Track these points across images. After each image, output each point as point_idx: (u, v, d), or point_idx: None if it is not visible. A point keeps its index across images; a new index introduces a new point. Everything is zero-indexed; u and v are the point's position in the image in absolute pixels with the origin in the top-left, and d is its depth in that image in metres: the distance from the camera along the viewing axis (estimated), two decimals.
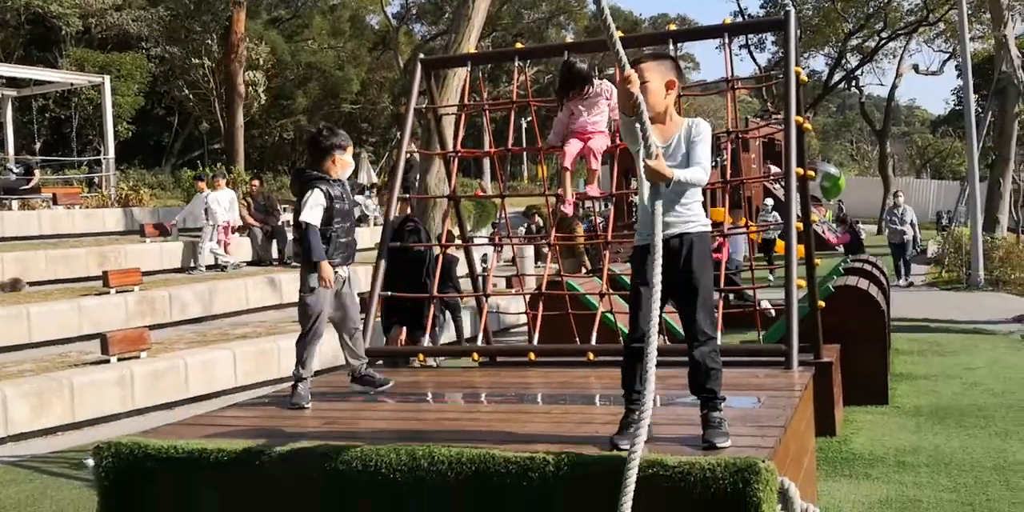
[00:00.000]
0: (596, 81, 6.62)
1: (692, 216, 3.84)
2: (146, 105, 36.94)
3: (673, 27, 7.63)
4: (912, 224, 20.68)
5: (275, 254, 16.63)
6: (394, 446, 3.80)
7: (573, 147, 6.63)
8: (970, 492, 5.84)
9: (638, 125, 3.57)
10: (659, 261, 3.47)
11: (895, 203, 21.43)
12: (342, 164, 5.29)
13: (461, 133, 7.79)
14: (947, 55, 46.98)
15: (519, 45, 7.98)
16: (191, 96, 37.35)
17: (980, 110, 24.88)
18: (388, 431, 4.38)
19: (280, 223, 16.78)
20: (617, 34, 3.35)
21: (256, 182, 17.96)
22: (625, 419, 3.82)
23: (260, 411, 5.08)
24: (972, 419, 7.75)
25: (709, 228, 3.94)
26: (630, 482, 3.09)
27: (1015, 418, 7.71)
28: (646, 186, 3.81)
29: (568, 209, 6.85)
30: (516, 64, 7.44)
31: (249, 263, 16.37)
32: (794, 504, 3.65)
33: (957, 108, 39.57)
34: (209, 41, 36.31)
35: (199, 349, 10.60)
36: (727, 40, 7.11)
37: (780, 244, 16.07)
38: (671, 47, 6.87)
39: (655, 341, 3.37)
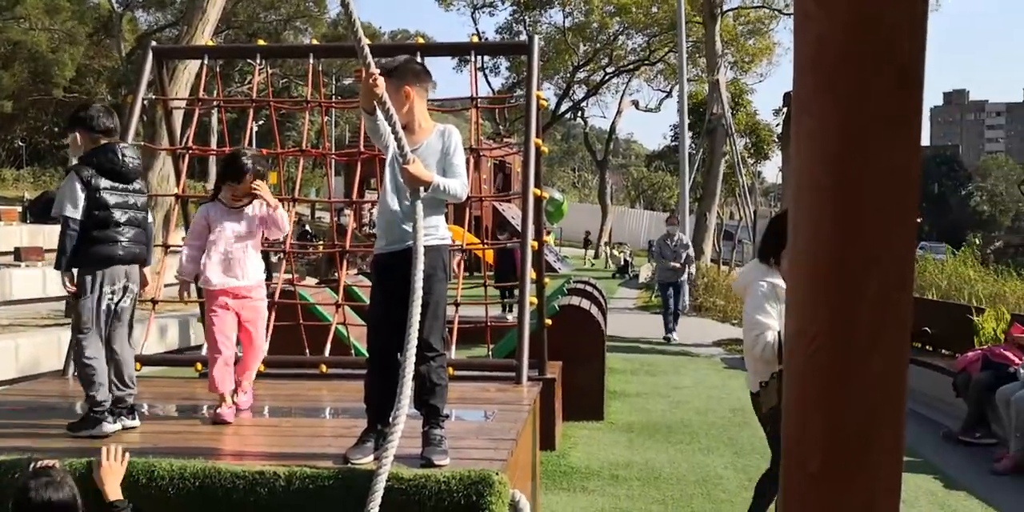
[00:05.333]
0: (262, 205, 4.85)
1: (430, 228, 3.72)
2: None
3: (421, 40, 7.63)
4: (688, 259, 15.42)
5: None
6: None
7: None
8: (677, 504, 6.19)
9: (387, 129, 3.47)
10: (420, 266, 3.39)
11: (668, 233, 15.47)
12: None
13: (192, 129, 7.40)
14: (665, 94, 50.48)
15: (260, 42, 7.70)
16: None
17: (693, 147, 26.58)
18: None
19: None
20: (363, 33, 3.22)
21: None
22: (364, 433, 3.71)
23: None
24: (679, 435, 8.23)
25: (448, 241, 3.90)
26: (376, 496, 2.99)
27: (717, 435, 8.26)
28: (390, 193, 3.73)
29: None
30: (258, 63, 7.16)
31: None
32: None
33: (672, 144, 42.46)
34: None
35: None
36: (473, 58, 7.20)
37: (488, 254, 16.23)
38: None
39: (413, 353, 3.28)
